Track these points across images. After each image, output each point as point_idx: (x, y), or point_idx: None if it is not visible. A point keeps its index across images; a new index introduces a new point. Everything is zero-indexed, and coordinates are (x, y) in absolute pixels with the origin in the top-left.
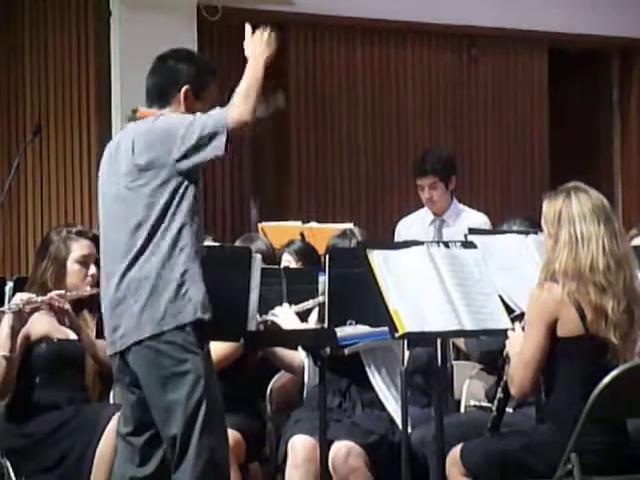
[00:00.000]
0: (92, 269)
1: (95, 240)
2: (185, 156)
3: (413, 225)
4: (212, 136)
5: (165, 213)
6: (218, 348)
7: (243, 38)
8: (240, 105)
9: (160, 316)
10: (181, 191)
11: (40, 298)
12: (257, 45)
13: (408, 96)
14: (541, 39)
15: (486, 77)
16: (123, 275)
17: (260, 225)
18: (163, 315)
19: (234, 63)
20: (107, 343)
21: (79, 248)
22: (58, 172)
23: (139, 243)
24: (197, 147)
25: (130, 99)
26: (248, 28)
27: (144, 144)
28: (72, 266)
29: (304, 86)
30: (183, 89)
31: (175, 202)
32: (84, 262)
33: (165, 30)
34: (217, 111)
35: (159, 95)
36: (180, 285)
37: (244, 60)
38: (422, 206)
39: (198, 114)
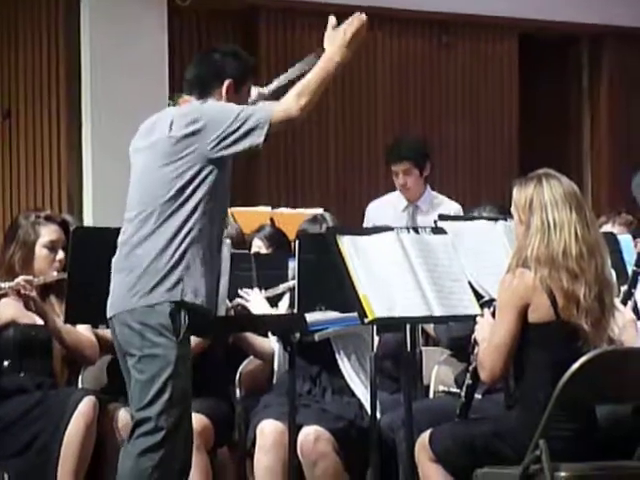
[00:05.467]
0: (60, 254)
1: (64, 225)
2: (219, 145)
3: (385, 209)
4: (252, 129)
5: (180, 195)
6: None
7: (214, 24)
8: (291, 102)
9: (148, 291)
10: (202, 175)
11: (7, 284)
12: (340, 37)
13: (379, 82)
14: (511, 25)
15: (457, 63)
16: (130, 246)
17: (230, 210)
18: (150, 290)
19: (204, 49)
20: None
21: (47, 233)
22: (27, 157)
23: (149, 220)
24: (234, 140)
25: (100, 85)
26: (332, 20)
27: (186, 119)
28: (40, 251)
29: (275, 71)
30: (226, 82)
31: (192, 186)
32: (52, 247)
33: (135, 16)
34: (265, 105)
35: (200, 85)
36: (173, 267)
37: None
38: (393, 190)
39: (245, 107)
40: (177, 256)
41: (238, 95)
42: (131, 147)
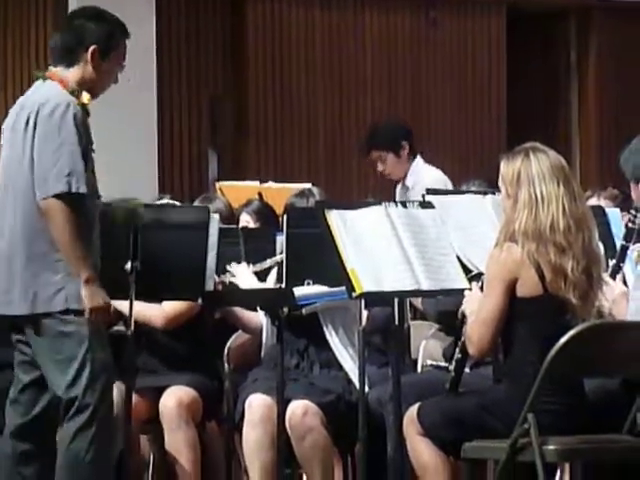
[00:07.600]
0: None
1: None
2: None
3: (398, 186)
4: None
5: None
6: (173, 305)
7: (203, 3)
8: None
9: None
10: None
11: None
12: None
13: (367, 58)
14: (499, 0)
15: (445, 39)
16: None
17: (218, 185)
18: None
19: (193, 32)
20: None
21: None
22: None
23: (25, 218)
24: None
25: None
26: None
27: (47, 114)
28: None
29: (262, 48)
30: (91, 48)
31: None
32: None
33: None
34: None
35: (65, 54)
36: (53, 275)
37: (204, 29)
38: None
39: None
40: (57, 263)
41: (106, 62)
42: (4, 126)
